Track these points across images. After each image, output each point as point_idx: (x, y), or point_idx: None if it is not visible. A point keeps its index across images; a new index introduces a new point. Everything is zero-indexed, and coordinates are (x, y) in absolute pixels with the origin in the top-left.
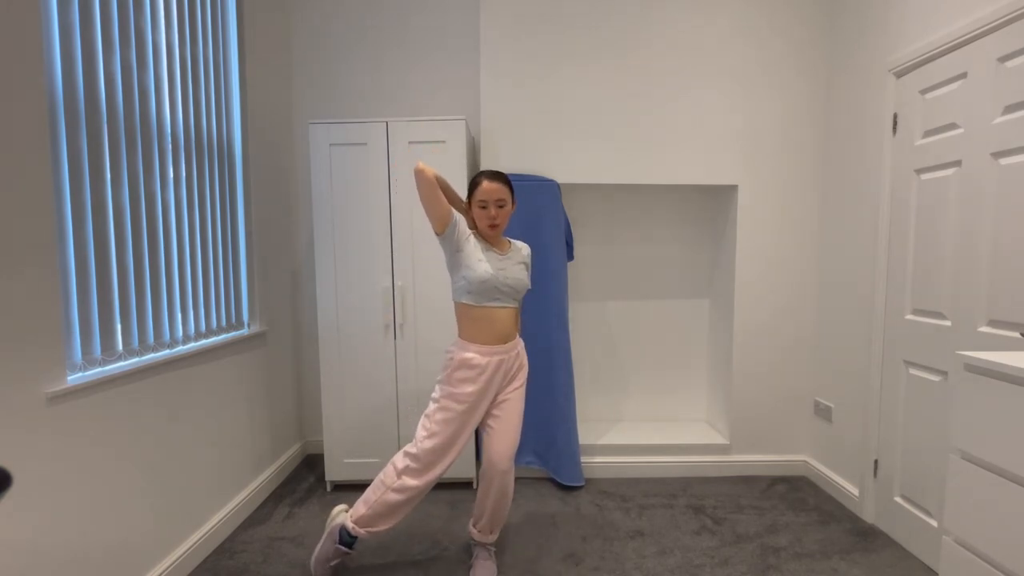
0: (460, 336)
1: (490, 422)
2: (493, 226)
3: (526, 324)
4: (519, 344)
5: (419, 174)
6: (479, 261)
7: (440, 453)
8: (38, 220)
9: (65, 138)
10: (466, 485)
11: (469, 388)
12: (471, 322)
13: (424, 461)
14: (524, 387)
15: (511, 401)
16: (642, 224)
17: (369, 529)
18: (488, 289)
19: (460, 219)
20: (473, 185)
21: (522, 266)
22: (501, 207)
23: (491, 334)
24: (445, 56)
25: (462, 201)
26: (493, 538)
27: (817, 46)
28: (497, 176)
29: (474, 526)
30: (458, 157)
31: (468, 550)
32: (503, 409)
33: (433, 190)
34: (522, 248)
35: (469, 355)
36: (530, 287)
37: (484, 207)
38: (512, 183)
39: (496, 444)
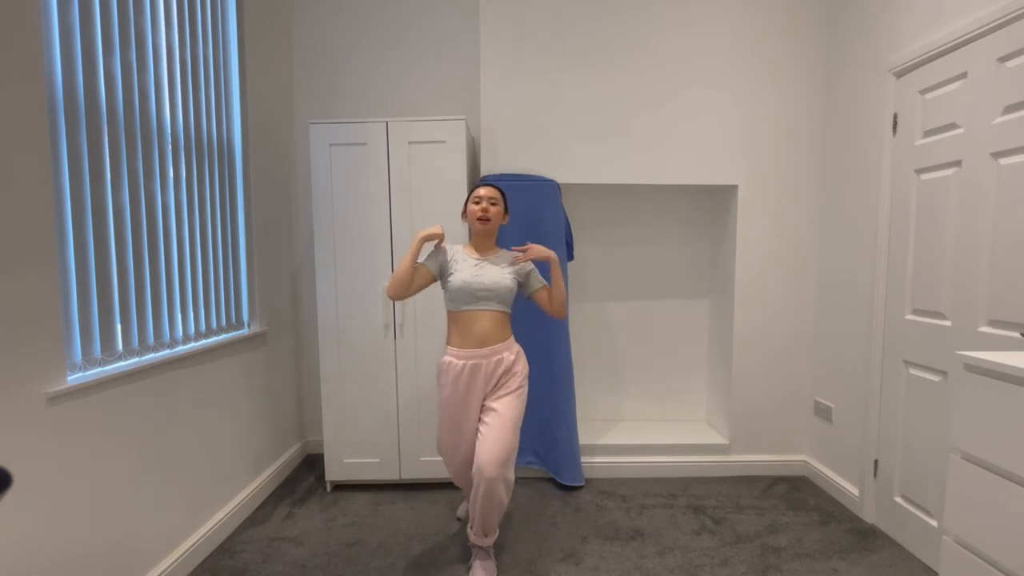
0: (446, 343)
1: (480, 427)
2: (484, 220)
3: (525, 324)
4: (506, 349)
5: (389, 292)
6: (453, 273)
7: (448, 456)
8: (38, 220)
9: (65, 138)
10: None
11: (446, 392)
12: (453, 326)
13: (444, 460)
14: (519, 395)
15: (500, 410)
16: (642, 224)
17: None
18: (463, 295)
19: (436, 258)
20: (471, 191)
21: (504, 270)
22: (493, 204)
23: (468, 337)
24: (445, 56)
25: (420, 249)
26: (489, 541)
27: (817, 46)
28: (493, 185)
29: (470, 528)
30: (458, 157)
31: (468, 550)
32: (491, 416)
33: (406, 287)
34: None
35: (446, 359)
36: (515, 289)
37: (478, 202)
38: (500, 183)
39: (483, 449)
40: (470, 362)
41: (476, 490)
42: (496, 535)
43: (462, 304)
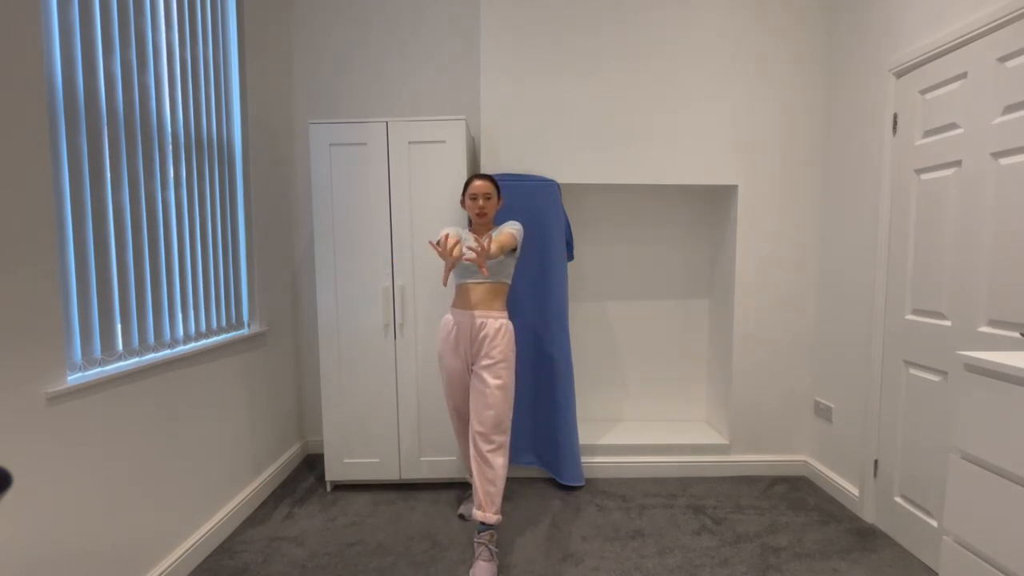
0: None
1: (471, 391)
2: (481, 215)
3: (527, 324)
4: (490, 318)
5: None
6: None
7: (449, 411)
8: (38, 220)
9: (65, 138)
10: (467, 486)
11: (439, 346)
12: (455, 294)
13: (450, 416)
14: (501, 370)
15: (483, 377)
16: (642, 224)
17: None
18: (460, 270)
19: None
20: (466, 185)
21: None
22: (488, 199)
23: (463, 302)
24: (445, 56)
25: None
26: (490, 516)
27: (817, 46)
28: (485, 176)
29: (476, 508)
30: (458, 157)
31: (468, 550)
32: (477, 378)
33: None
34: (503, 225)
35: (446, 316)
36: (502, 260)
37: (474, 199)
38: (499, 182)
39: (473, 408)
40: (458, 319)
41: (470, 448)
42: (497, 517)
43: (459, 277)
